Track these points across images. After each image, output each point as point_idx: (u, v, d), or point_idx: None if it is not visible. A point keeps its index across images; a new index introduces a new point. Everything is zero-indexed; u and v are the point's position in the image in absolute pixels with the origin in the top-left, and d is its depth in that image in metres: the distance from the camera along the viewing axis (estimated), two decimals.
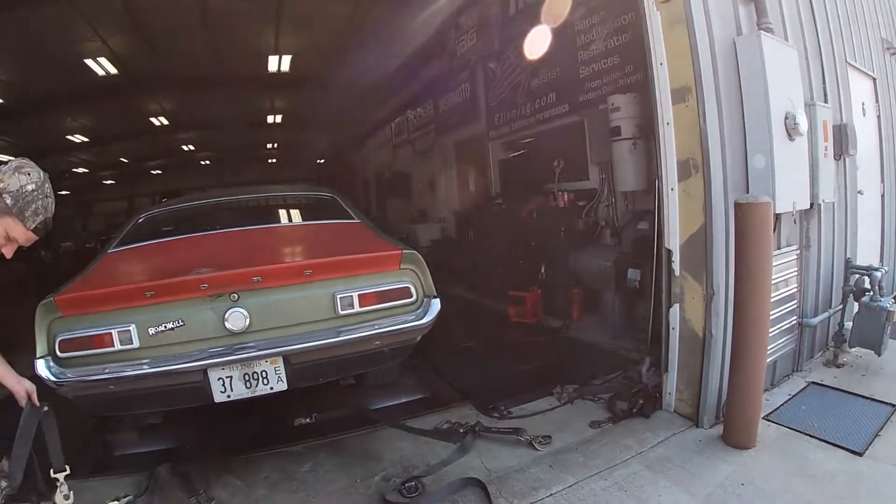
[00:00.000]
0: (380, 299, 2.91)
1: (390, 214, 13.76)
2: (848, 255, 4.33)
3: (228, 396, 2.80)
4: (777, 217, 3.43)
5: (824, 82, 4.06)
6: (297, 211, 4.59)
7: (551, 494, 2.68)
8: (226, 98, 12.75)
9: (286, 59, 10.25)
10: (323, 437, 3.47)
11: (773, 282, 3.27)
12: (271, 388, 2.83)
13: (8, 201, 1.85)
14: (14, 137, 13.14)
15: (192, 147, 18.93)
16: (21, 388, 2.17)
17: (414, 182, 12.34)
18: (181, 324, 2.69)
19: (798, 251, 3.78)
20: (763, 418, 3.18)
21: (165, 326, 2.68)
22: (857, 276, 4.14)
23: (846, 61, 4.45)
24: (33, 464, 2.15)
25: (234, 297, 2.72)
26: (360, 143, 17.21)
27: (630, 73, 5.27)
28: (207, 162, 21.49)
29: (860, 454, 2.82)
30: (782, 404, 3.46)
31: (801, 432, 3.10)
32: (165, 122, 14.42)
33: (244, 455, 3.30)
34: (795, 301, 3.80)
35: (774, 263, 3.25)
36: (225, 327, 2.71)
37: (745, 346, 2.95)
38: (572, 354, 4.91)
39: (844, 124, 4.19)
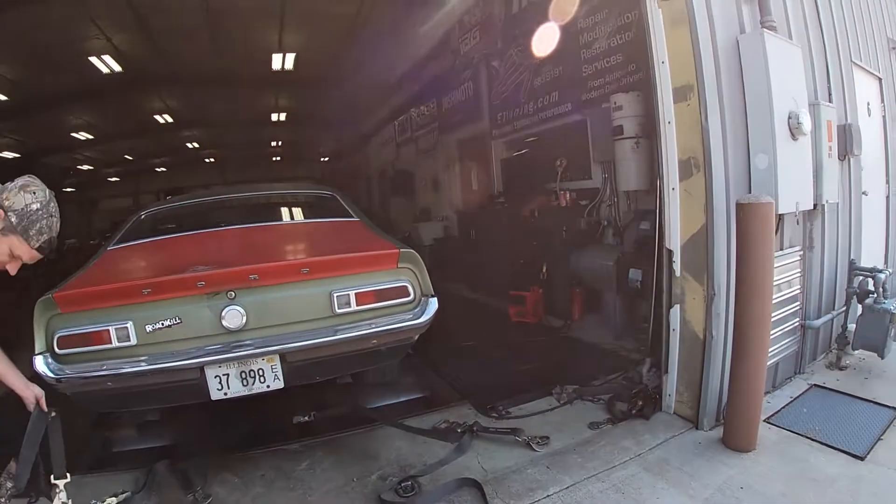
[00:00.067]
0: (377, 298, 2.89)
1: (393, 213, 13.77)
2: (852, 257, 4.29)
3: (225, 394, 2.79)
4: (780, 218, 3.41)
5: (829, 82, 4.02)
6: (297, 209, 4.59)
7: (548, 496, 2.66)
8: (230, 96, 12.80)
9: (290, 58, 10.25)
10: (321, 435, 3.46)
11: (776, 283, 3.25)
12: (268, 387, 2.82)
13: (13, 219, 1.85)
14: (21, 135, 13.21)
15: (196, 145, 19.00)
16: (30, 393, 2.18)
17: (417, 180, 12.32)
18: (178, 321, 2.68)
19: (801, 252, 3.75)
20: (764, 421, 3.16)
21: (163, 324, 2.67)
22: (861, 277, 4.10)
23: (851, 61, 4.40)
24: (38, 467, 2.15)
25: (231, 294, 2.72)
26: (363, 142, 17.22)
27: (633, 71, 5.24)
28: (212, 160, 21.54)
29: (861, 458, 2.79)
30: (784, 407, 3.43)
31: (802, 435, 3.07)
32: (170, 119, 14.46)
33: (242, 452, 3.30)
34: (798, 303, 3.77)
35: (777, 265, 3.22)
36: (222, 325, 2.70)
37: (745, 348, 2.92)
38: (573, 354, 4.89)
39: (849, 124, 4.14)
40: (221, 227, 3.81)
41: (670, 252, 3.29)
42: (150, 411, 3.64)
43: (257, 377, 2.79)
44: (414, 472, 2.91)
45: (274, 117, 15.72)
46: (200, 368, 2.72)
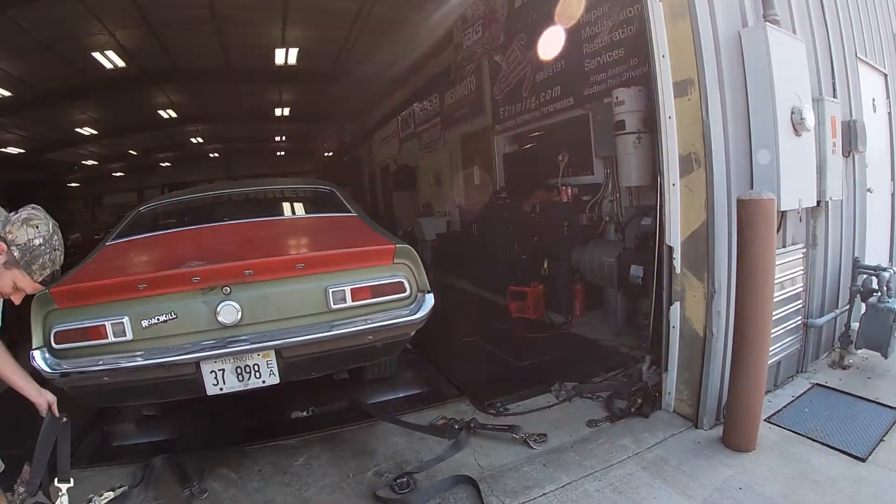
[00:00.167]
0: (373, 294, 2.88)
1: (396, 208, 13.78)
2: (856, 255, 4.24)
3: (221, 389, 2.80)
4: (782, 214, 3.37)
5: (833, 77, 3.97)
6: (294, 204, 4.58)
7: (544, 494, 2.64)
8: (234, 91, 12.81)
9: (293, 53, 10.25)
10: (318, 430, 3.47)
11: (778, 281, 3.22)
12: (263, 382, 2.82)
13: (16, 254, 1.85)
14: (26, 131, 13.27)
15: (200, 140, 19.04)
16: (43, 399, 2.21)
17: (420, 175, 12.31)
18: (174, 316, 2.69)
19: (804, 250, 3.71)
20: (765, 420, 3.13)
21: (158, 319, 2.68)
22: (865, 276, 4.05)
23: (856, 56, 4.34)
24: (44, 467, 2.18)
25: (226, 290, 2.72)
26: (367, 137, 17.23)
27: (635, 66, 5.19)
28: (216, 154, 21.60)
29: (863, 460, 2.75)
30: (785, 406, 3.40)
31: (803, 435, 3.03)
32: (174, 114, 14.50)
33: (240, 447, 3.30)
34: (801, 301, 3.73)
35: (779, 262, 3.19)
36: (217, 320, 2.71)
37: (746, 347, 2.89)
38: (573, 351, 4.86)
39: (854, 120, 4.09)
40: (219, 222, 3.80)
41: (671, 249, 3.26)
42: (148, 406, 3.66)
43: (253, 372, 2.80)
44: (410, 469, 2.91)
45: (278, 112, 15.73)
46: (196, 363, 2.73)
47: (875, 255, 4.47)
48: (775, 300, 3.06)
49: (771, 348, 3.10)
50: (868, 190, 4.46)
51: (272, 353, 2.78)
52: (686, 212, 3.17)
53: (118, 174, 22.33)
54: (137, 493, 2.82)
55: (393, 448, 3.22)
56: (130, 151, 19.26)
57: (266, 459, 3.18)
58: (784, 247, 3.50)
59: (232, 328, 2.73)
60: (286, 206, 4.56)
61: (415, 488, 2.73)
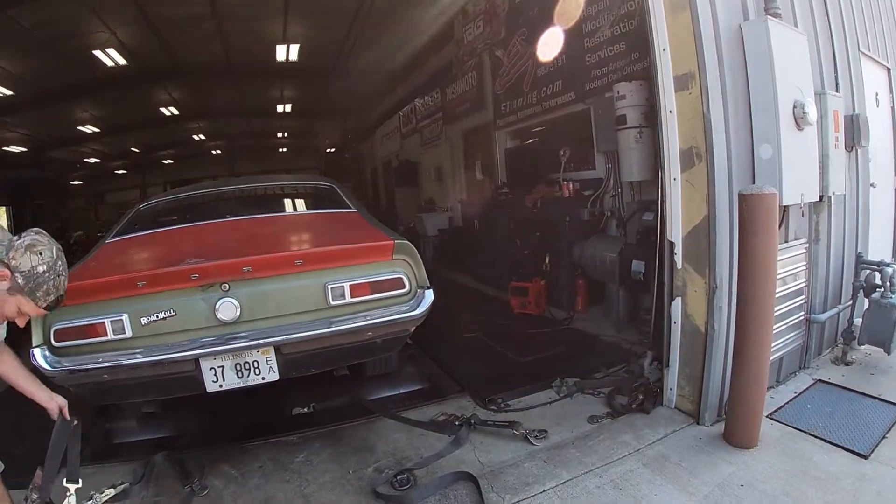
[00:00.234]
0: (372, 290, 2.88)
1: (398, 203, 13.78)
2: (859, 250, 4.21)
3: (220, 386, 2.80)
4: (784, 209, 3.35)
5: (836, 71, 3.93)
6: (294, 200, 4.58)
7: (544, 490, 2.64)
8: (235, 88, 12.79)
9: (294, 49, 10.22)
10: (319, 427, 3.47)
11: (780, 276, 3.20)
12: (263, 379, 2.82)
13: (20, 280, 1.85)
14: (28, 129, 13.28)
15: (202, 137, 19.03)
16: (54, 403, 2.23)
17: (421, 171, 12.29)
18: (173, 314, 2.69)
19: (807, 245, 3.68)
20: (767, 416, 3.12)
21: (157, 316, 2.69)
22: (868, 271, 4.03)
23: (859, 50, 4.30)
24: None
25: (224, 287, 2.71)
26: (368, 133, 17.22)
27: (636, 60, 5.16)
28: (218, 151, 21.59)
29: (865, 457, 2.74)
30: (787, 402, 3.38)
31: (805, 432, 3.01)
32: (176, 112, 14.49)
33: (240, 444, 3.31)
34: (803, 296, 3.71)
35: (781, 257, 3.17)
36: (216, 317, 2.71)
37: (748, 342, 2.87)
38: (574, 347, 4.85)
39: (857, 115, 4.05)
40: (218, 219, 3.79)
41: (672, 244, 3.24)
42: (148, 403, 3.65)
43: (252, 369, 2.80)
44: (410, 465, 2.90)
45: (280, 109, 15.71)
46: (196, 360, 2.73)
47: (878, 250, 4.44)
48: (777, 296, 3.05)
49: (773, 344, 3.08)
50: (871, 185, 4.43)
51: (271, 349, 2.78)
52: (687, 207, 3.15)
53: (120, 172, 22.32)
54: (138, 490, 2.81)
55: (393, 444, 3.21)
56: (133, 149, 19.23)
57: (267, 456, 3.18)
58: (786, 242, 3.48)
59: (231, 325, 2.73)
60: (286, 202, 4.55)
61: (415, 485, 2.73)
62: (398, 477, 2.76)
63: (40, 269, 1.87)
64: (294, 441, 3.33)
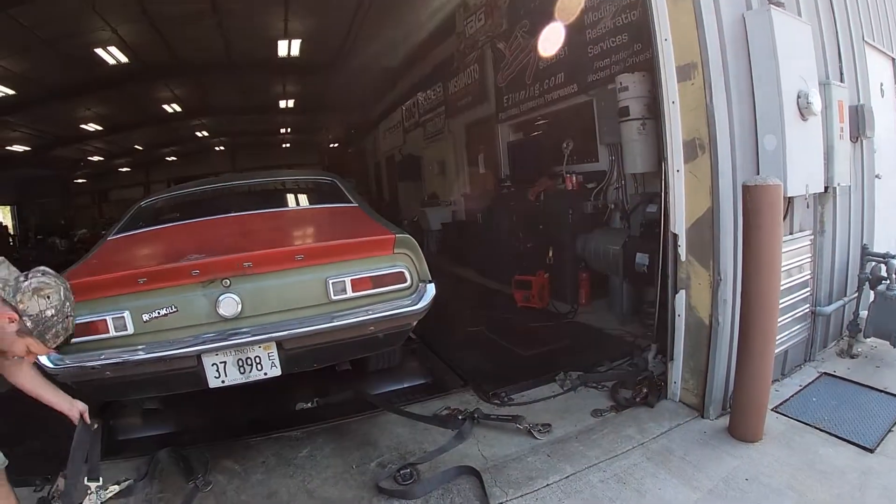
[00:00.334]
0: (373, 284, 2.86)
1: (402, 198, 13.77)
2: (864, 242, 4.18)
3: (223, 382, 2.80)
4: (789, 201, 3.32)
5: (840, 61, 3.88)
6: (295, 195, 4.57)
7: (548, 485, 2.63)
8: (237, 84, 12.80)
9: (296, 44, 10.20)
10: (322, 422, 3.47)
11: (785, 268, 3.17)
12: (265, 374, 2.81)
13: (28, 324, 1.85)
14: (31, 128, 13.30)
15: (205, 133, 19.05)
16: (75, 410, 2.28)
17: (424, 165, 12.27)
18: (174, 310, 2.68)
19: (812, 237, 3.66)
20: (772, 410, 3.10)
21: (159, 313, 2.68)
22: (874, 263, 4.00)
23: (863, 40, 4.25)
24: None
25: (225, 282, 2.70)
26: (371, 127, 17.19)
27: (639, 51, 5.13)
28: (221, 148, 21.61)
29: (871, 450, 2.71)
30: (792, 396, 3.36)
31: (810, 426, 2.99)
32: (178, 109, 14.50)
33: (244, 440, 3.31)
34: (808, 288, 3.68)
35: (786, 249, 3.14)
36: (217, 313, 2.70)
37: (752, 335, 2.85)
38: (578, 340, 4.83)
39: (861, 105, 4.01)
40: (219, 214, 3.78)
41: (675, 236, 3.22)
42: (152, 399, 3.66)
43: (254, 365, 2.79)
44: (413, 460, 2.90)
45: (282, 104, 15.70)
46: (197, 356, 2.72)
47: (884, 242, 4.39)
48: (782, 288, 3.03)
49: (778, 337, 3.06)
50: (876, 176, 4.39)
51: (273, 345, 2.77)
52: (691, 198, 3.13)
53: (124, 169, 22.38)
54: (142, 487, 2.82)
55: (396, 439, 3.21)
56: (136, 146, 19.27)
57: (270, 451, 3.18)
58: (791, 234, 3.45)
59: (232, 321, 2.72)
60: (287, 197, 4.54)
61: (418, 479, 2.72)
62: (401, 471, 2.76)
63: (49, 312, 1.88)
64: (297, 436, 3.33)
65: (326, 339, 2.83)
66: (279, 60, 10.90)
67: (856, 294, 4.07)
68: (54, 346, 1.95)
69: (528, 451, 2.96)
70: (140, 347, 2.66)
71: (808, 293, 3.69)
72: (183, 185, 4.76)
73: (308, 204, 4.38)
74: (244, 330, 2.73)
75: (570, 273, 5.80)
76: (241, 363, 2.77)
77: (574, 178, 6.13)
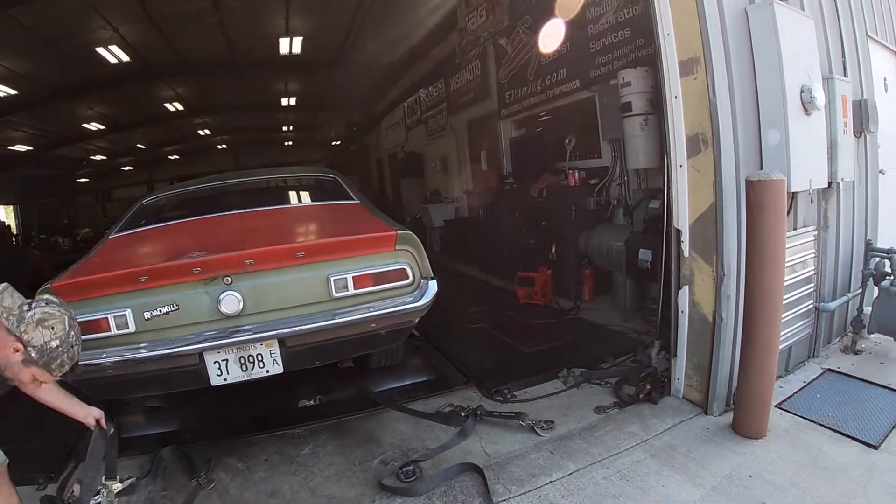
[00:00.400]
0: (375, 281, 2.86)
1: (404, 195, 13.76)
2: (868, 237, 4.14)
3: (225, 380, 2.80)
4: (792, 196, 3.31)
5: (843, 55, 3.86)
6: (297, 192, 4.56)
7: (551, 482, 2.62)
8: (239, 82, 12.78)
9: (297, 42, 10.19)
10: (325, 419, 3.47)
11: (789, 264, 3.15)
12: (267, 372, 2.82)
13: (33, 354, 1.86)
14: (33, 128, 13.32)
15: (208, 132, 19.06)
16: (90, 418, 2.32)
17: (427, 162, 12.25)
18: (176, 308, 2.68)
19: (815, 232, 3.63)
20: (776, 406, 3.08)
21: (160, 311, 2.68)
22: (878, 259, 3.97)
23: (867, 34, 4.22)
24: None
25: (227, 280, 2.70)
26: (374, 124, 17.16)
27: (641, 46, 5.10)
28: (224, 146, 21.63)
29: (875, 447, 2.70)
30: (796, 392, 3.34)
31: (814, 422, 2.98)
32: (180, 107, 14.49)
33: (246, 437, 3.31)
34: (812, 284, 3.66)
35: (790, 245, 3.12)
36: (219, 311, 2.70)
37: (756, 331, 2.83)
38: (581, 337, 4.81)
39: (865, 100, 3.99)
40: (221, 212, 3.78)
41: (678, 232, 3.20)
42: (154, 397, 3.67)
43: (256, 362, 2.80)
44: (416, 457, 2.90)
45: (284, 102, 15.68)
46: (199, 354, 2.73)
47: (888, 237, 4.36)
48: (786, 284, 3.00)
49: (782, 333, 3.04)
50: (880, 171, 4.36)
51: (275, 342, 2.77)
52: (694, 194, 3.11)
53: (127, 168, 22.41)
54: (145, 485, 2.82)
55: (399, 436, 3.21)
56: (139, 145, 19.29)
57: (273, 449, 3.18)
58: (795, 229, 3.43)
59: (234, 318, 2.72)
60: (288, 194, 4.54)
61: (420, 476, 2.72)
62: (404, 469, 2.76)
63: (53, 343, 1.88)
64: (300, 434, 3.34)
65: (328, 337, 2.83)
66: (281, 58, 10.88)
67: (860, 290, 4.04)
68: (60, 374, 1.96)
69: (531, 447, 2.95)
70: (142, 345, 2.66)
71: (812, 289, 3.67)
72: (184, 183, 4.76)
73: (309, 201, 4.38)
74: (246, 327, 2.73)
75: (572, 269, 5.78)
76: (243, 361, 2.78)
77: (576, 175, 6.10)
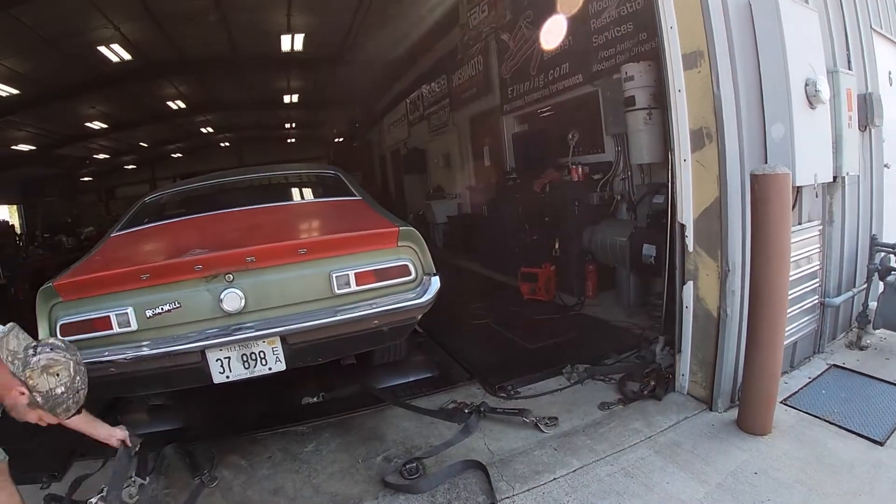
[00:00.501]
0: (377, 278, 2.84)
1: (407, 191, 13.75)
2: (873, 232, 4.13)
3: (227, 377, 2.80)
4: (797, 190, 3.28)
5: (848, 49, 3.83)
6: (299, 189, 4.55)
7: (554, 479, 2.61)
8: (242, 80, 12.76)
9: (299, 38, 10.15)
10: (328, 416, 3.47)
11: (794, 259, 3.13)
12: (269, 369, 2.81)
13: (39, 399, 1.87)
14: (36, 128, 13.34)
15: (210, 129, 19.06)
16: (115, 440, 2.42)
17: (430, 158, 12.23)
18: (177, 306, 2.68)
19: (820, 226, 3.61)
20: (781, 402, 3.06)
21: (162, 308, 2.67)
22: (883, 253, 3.95)
23: (871, 27, 4.18)
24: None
25: (228, 277, 2.69)
26: (376, 121, 17.13)
27: (644, 40, 5.08)
28: (227, 144, 21.63)
29: (881, 444, 2.68)
30: (801, 388, 3.32)
31: (820, 418, 2.96)
32: (183, 105, 14.49)
33: (250, 435, 3.31)
34: (817, 279, 3.65)
35: (794, 239, 3.10)
36: (221, 308, 2.69)
37: (761, 327, 2.81)
38: (585, 333, 4.81)
39: (870, 93, 3.95)
40: (223, 209, 3.77)
41: (683, 226, 3.18)
42: (157, 395, 3.67)
43: (259, 360, 2.79)
44: (419, 454, 2.89)
45: (287, 99, 15.66)
46: (202, 352, 2.72)
47: (893, 232, 4.34)
48: (791, 279, 2.99)
49: (787, 328, 3.02)
50: (885, 165, 4.33)
51: (277, 339, 2.76)
52: (698, 188, 3.09)
53: (130, 167, 22.43)
54: (149, 483, 2.81)
55: (402, 433, 3.20)
56: (141, 144, 19.31)
57: (276, 446, 3.18)
58: (800, 224, 3.41)
59: (236, 316, 2.71)
60: (290, 191, 4.53)
61: (424, 474, 2.72)
62: (407, 466, 2.75)
63: (59, 390, 1.90)
64: (303, 431, 3.33)
65: (331, 334, 2.82)
66: (283, 55, 10.85)
67: (865, 285, 4.02)
68: (66, 418, 1.98)
69: (534, 444, 2.94)
70: (144, 343, 2.66)
71: (817, 284, 3.65)
72: (186, 181, 4.75)
73: (311, 197, 4.37)
74: (248, 325, 2.72)
75: (576, 265, 5.77)
76: (245, 358, 2.77)
77: (580, 170, 6.08)
